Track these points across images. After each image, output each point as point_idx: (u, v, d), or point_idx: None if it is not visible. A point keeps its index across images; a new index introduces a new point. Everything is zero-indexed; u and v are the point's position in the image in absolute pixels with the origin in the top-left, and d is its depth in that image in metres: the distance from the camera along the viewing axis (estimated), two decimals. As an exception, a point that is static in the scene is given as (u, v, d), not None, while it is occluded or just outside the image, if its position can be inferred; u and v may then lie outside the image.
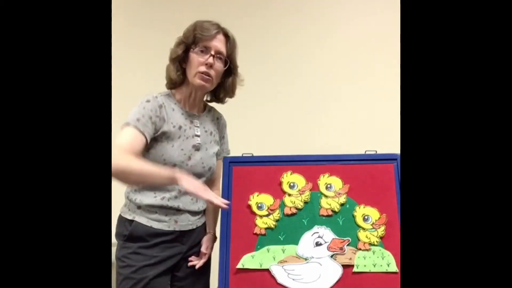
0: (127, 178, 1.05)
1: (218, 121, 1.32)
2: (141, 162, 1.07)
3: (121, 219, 1.18)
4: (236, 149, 1.34)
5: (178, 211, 1.17)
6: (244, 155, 1.27)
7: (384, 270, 1.12)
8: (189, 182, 1.04)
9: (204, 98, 1.29)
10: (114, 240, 1.19)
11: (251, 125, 1.96)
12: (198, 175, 1.19)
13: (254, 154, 1.28)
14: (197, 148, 1.20)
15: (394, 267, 1.12)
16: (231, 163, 1.25)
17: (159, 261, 1.13)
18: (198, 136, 1.21)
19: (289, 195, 1.21)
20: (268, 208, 1.20)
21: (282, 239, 1.17)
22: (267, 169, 1.24)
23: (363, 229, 1.17)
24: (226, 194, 1.22)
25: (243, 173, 1.24)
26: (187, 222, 1.19)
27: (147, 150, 1.14)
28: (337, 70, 1.98)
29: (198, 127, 1.23)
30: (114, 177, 0.97)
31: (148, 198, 1.15)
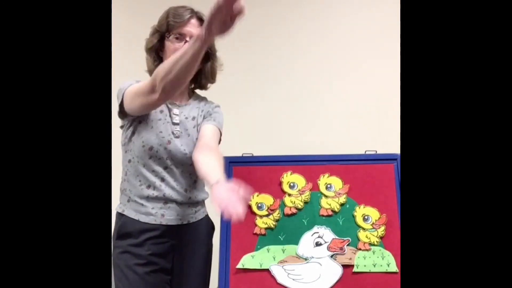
0: (172, 75, 0.95)
1: (207, 106, 1.26)
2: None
3: (116, 214, 1.16)
4: (236, 149, 1.34)
5: (165, 203, 1.14)
6: (244, 155, 1.28)
7: (384, 270, 1.12)
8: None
9: (191, 86, 1.27)
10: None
11: (251, 125, 1.95)
12: (179, 162, 1.16)
13: (254, 154, 1.28)
14: (176, 135, 1.17)
15: (394, 267, 1.12)
16: (231, 163, 1.25)
17: (150, 262, 1.10)
18: (177, 124, 1.18)
19: (289, 195, 1.21)
20: (268, 208, 1.20)
21: (282, 239, 1.17)
22: (267, 169, 1.24)
23: (363, 229, 1.17)
24: (226, 194, 1.21)
25: (243, 173, 1.24)
26: (175, 216, 1.15)
27: (129, 138, 1.16)
28: (338, 69, 1.98)
29: (177, 115, 1.19)
30: (162, 90, 0.97)
31: (135, 188, 1.14)
